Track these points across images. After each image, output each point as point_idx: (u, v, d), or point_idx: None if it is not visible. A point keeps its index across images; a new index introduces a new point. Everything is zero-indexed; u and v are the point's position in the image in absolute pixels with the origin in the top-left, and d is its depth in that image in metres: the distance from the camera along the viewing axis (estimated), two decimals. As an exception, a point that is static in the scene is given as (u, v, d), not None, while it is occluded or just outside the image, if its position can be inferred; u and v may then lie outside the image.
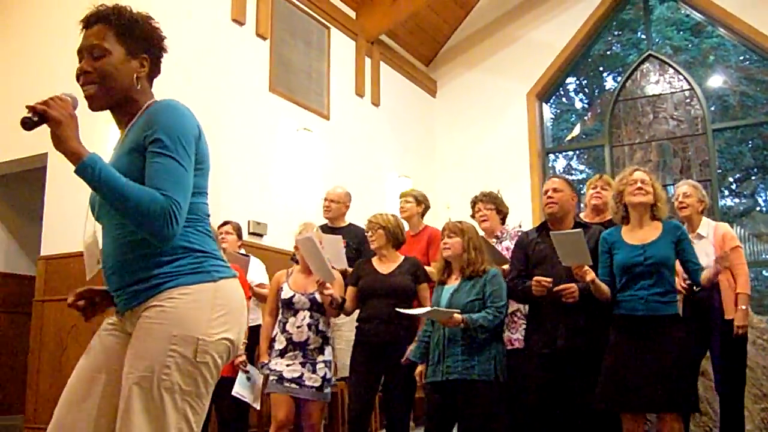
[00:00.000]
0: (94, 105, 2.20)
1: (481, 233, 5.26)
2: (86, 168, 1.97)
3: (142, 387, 2.00)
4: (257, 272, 5.74)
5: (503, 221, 5.41)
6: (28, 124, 1.99)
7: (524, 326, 4.84)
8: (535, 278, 4.29)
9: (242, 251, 5.86)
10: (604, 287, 4.17)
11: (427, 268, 5.15)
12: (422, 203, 5.88)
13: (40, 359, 6.49)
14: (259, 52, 7.28)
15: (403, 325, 4.76)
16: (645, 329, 4.02)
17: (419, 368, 4.61)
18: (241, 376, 5.01)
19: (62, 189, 6.39)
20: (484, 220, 5.34)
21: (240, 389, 4.99)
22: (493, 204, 5.34)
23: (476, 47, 10.41)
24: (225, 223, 5.82)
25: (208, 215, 2.27)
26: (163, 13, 6.72)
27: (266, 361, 4.69)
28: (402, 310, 4.56)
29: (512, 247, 5.00)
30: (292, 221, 6.07)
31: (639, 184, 4.22)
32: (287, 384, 4.57)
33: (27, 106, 2.00)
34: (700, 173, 9.08)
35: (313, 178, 7.55)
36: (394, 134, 9.45)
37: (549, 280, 4.24)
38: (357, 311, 5.02)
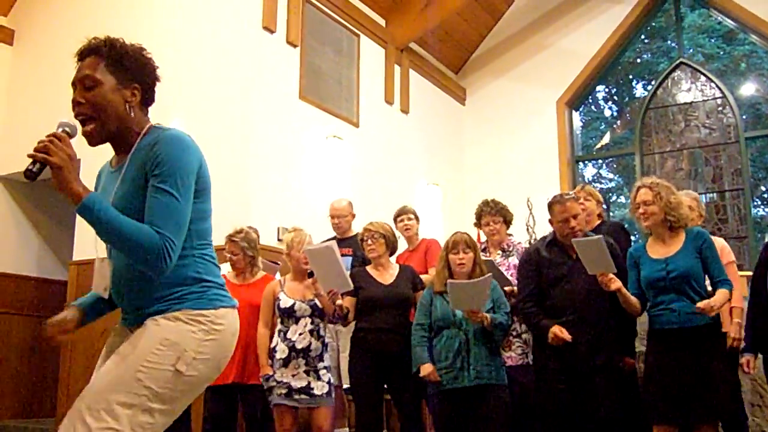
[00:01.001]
0: (93, 141, 2.31)
1: (482, 239, 5.27)
2: (86, 209, 2.10)
3: (124, 360, 2.15)
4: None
5: (507, 228, 5.40)
6: (32, 174, 2.11)
7: (518, 345, 4.89)
8: (557, 330, 4.21)
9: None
10: (633, 299, 4.11)
11: (423, 276, 5.17)
12: (419, 220, 5.95)
13: (72, 363, 6.55)
14: (289, 60, 7.32)
15: (407, 334, 4.73)
16: (682, 341, 3.95)
17: (428, 368, 4.46)
18: None
19: (95, 195, 6.45)
20: (494, 234, 5.29)
21: None
22: (500, 215, 5.29)
23: (505, 55, 10.39)
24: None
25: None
26: (195, 21, 6.81)
27: (270, 373, 4.62)
28: (451, 281, 4.43)
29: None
30: (322, 228, 6.08)
31: (641, 209, 4.15)
32: (297, 396, 4.55)
33: (28, 155, 2.10)
34: (732, 182, 8.99)
35: (343, 185, 7.56)
36: (423, 142, 9.45)
37: (569, 337, 4.17)
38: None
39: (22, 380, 7.53)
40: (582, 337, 4.20)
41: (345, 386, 5.08)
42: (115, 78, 2.30)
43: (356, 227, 5.96)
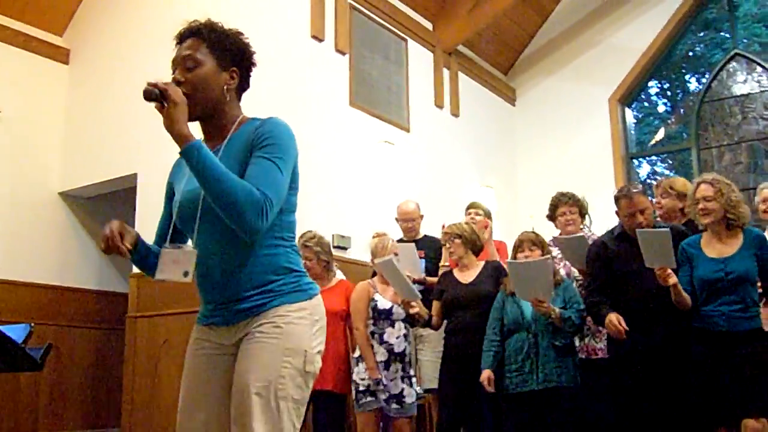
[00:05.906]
0: None
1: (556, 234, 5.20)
2: (193, 150, 2.08)
3: (262, 397, 2.12)
4: None
5: (583, 220, 5.31)
6: (151, 95, 2.12)
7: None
8: (614, 317, 4.10)
9: None
10: (686, 297, 4.03)
11: None
12: (491, 218, 5.91)
13: (134, 373, 6.65)
14: (338, 68, 7.36)
15: None
16: (726, 344, 3.91)
17: (486, 374, 4.45)
18: None
19: (152, 208, 6.48)
20: (569, 225, 5.16)
21: None
22: (576, 206, 5.21)
23: (555, 53, 10.29)
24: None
25: None
26: (244, 32, 6.88)
27: (379, 377, 4.63)
28: (510, 261, 4.52)
29: None
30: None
31: (701, 205, 4.05)
32: (388, 401, 4.61)
33: (149, 82, 2.13)
34: (793, 174, 8.78)
35: (396, 190, 7.56)
36: (474, 144, 9.40)
37: (624, 328, 4.05)
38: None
39: (86, 391, 7.66)
40: (656, 335, 4.14)
41: None
42: (216, 60, 2.31)
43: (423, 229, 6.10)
